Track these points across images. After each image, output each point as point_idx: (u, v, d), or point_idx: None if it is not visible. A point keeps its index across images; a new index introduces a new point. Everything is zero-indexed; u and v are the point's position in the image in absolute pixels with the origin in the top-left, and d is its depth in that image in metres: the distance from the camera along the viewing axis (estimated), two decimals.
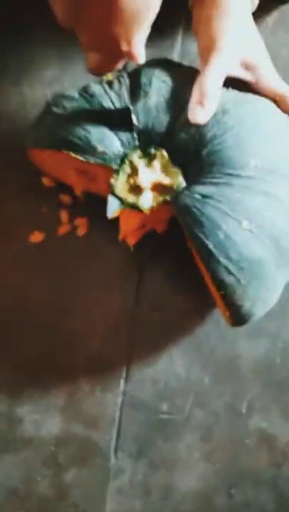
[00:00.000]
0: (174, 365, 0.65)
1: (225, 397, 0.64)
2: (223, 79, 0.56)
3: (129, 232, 0.63)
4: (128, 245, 0.64)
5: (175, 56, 0.72)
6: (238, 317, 0.55)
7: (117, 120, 0.57)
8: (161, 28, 0.70)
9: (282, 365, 0.65)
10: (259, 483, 0.63)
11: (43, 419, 0.64)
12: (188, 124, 0.54)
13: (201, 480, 0.63)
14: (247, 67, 0.57)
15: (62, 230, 0.68)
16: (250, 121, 0.55)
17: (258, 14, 0.66)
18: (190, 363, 0.65)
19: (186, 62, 0.63)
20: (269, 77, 0.58)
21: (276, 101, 0.58)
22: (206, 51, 0.56)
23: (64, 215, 0.68)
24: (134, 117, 0.57)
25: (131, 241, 0.63)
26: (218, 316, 0.64)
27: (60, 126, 0.59)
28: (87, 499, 0.63)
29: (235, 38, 0.56)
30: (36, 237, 0.68)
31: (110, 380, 0.65)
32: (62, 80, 0.72)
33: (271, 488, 0.63)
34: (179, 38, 0.73)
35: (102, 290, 0.66)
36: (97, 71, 0.54)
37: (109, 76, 0.59)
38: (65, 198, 0.68)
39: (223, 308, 0.56)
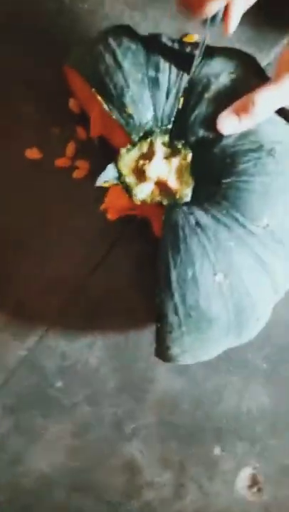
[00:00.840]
0: (90, 352, 0.61)
1: (118, 409, 0.61)
2: (281, 105, 0.48)
3: (113, 207, 0.56)
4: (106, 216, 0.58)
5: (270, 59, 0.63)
6: (161, 354, 0.51)
7: (164, 88, 0.49)
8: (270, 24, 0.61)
9: (186, 412, 0.61)
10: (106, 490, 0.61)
11: None
12: (221, 135, 0.48)
13: (50, 466, 0.61)
14: None
15: (61, 162, 0.62)
16: None
17: None
18: (106, 359, 0.61)
19: None
20: None
21: None
22: (281, 67, 0.47)
23: (70, 148, 0.62)
24: (181, 99, 0.49)
25: (111, 215, 0.57)
26: None
27: (104, 63, 0.51)
28: None
29: None
30: (33, 153, 0.62)
31: (25, 332, 0.61)
32: (147, 11, 0.63)
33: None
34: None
35: (66, 243, 0.61)
36: (185, 7, 0.47)
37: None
38: (81, 132, 0.62)
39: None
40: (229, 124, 0.47)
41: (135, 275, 0.61)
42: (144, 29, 0.62)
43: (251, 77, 0.51)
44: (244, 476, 0.60)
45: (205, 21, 0.51)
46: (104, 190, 0.58)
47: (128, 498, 0.61)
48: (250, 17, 0.62)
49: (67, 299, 0.61)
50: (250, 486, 0.61)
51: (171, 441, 0.61)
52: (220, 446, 0.61)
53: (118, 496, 0.60)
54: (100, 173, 0.50)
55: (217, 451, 0.61)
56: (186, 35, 0.62)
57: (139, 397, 0.61)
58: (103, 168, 0.51)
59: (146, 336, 0.61)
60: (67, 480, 0.61)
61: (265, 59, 0.63)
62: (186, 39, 0.62)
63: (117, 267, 0.62)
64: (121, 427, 0.61)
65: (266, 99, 0.47)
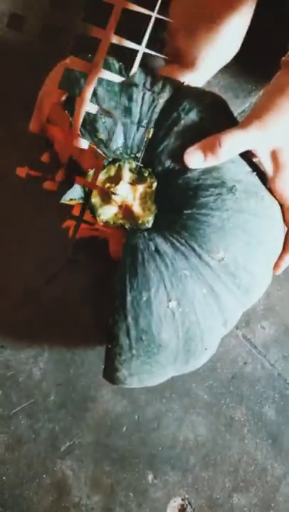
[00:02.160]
0: (35, 363, 0.61)
1: (55, 425, 0.60)
2: (245, 149, 0.50)
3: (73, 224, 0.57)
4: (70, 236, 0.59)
5: (253, 100, 0.66)
6: (108, 375, 0.51)
7: (136, 117, 0.51)
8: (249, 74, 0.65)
9: (123, 435, 0.60)
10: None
11: None
12: (186, 167, 0.50)
13: None
14: (275, 160, 0.51)
15: (49, 185, 0.62)
16: (247, 217, 0.50)
17: None
18: (50, 372, 0.60)
19: None
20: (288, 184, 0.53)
21: (284, 209, 0.53)
22: (251, 114, 0.50)
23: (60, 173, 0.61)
24: (151, 130, 0.51)
25: (71, 231, 0.58)
26: None
27: (79, 87, 0.52)
28: None
29: (284, 124, 0.49)
30: (23, 172, 0.61)
31: None
32: None
33: None
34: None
35: (25, 250, 0.61)
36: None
37: None
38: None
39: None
40: (195, 159, 0.49)
41: (89, 293, 0.62)
42: None
43: (220, 118, 0.53)
44: (173, 505, 0.60)
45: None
46: (69, 207, 0.58)
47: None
48: (231, 65, 0.66)
49: (16, 306, 0.61)
50: None
51: (105, 463, 0.60)
52: (152, 473, 0.60)
53: None
54: (66, 191, 0.51)
55: (149, 478, 0.60)
56: None
57: (78, 415, 0.60)
58: (70, 186, 0.51)
59: (94, 354, 0.61)
60: None
61: (240, 106, 0.66)
62: None
63: (71, 282, 0.62)
64: (56, 444, 0.60)
65: (232, 142, 0.49)
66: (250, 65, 0.66)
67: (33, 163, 0.61)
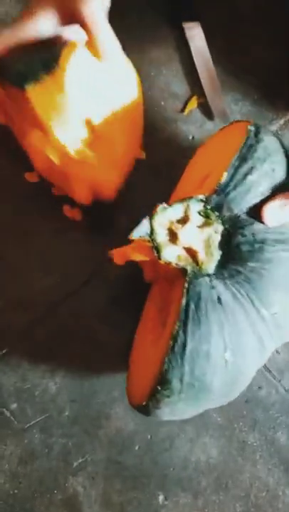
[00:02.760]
0: (51, 378, 0.61)
1: (68, 440, 0.60)
2: None
3: (125, 257, 0.55)
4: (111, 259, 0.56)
5: (274, 128, 0.68)
6: (147, 411, 0.50)
7: None
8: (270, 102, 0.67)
9: (136, 454, 0.61)
10: None
11: None
12: (259, 220, 0.50)
13: None
14: None
15: (57, 190, 0.64)
16: None
17: None
18: (65, 388, 0.61)
19: None
20: None
21: None
22: None
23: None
24: (225, 174, 0.51)
25: (117, 260, 0.55)
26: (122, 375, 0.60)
27: None
28: None
29: None
30: (32, 177, 0.64)
31: None
32: (162, 69, 0.67)
33: None
34: None
35: (45, 264, 0.63)
36: None
37: None
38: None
39: (131, 380, 0.52)
40: (274, 215, 0.49)
41: (108, 310, 0.63)
42: (156, 84, 0.67)
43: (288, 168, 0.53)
44: None
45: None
46: (94, 223, 0.60)
47: None
48: (252, 93, 0.67)
49: (35, 320, 0.62)
50: None
51: (116, 481, 0.60)
52: (163, 494, 0.60)
53: None
54: (135, 226, 0.51)
55: (160, 498, 0.60)
56: (193, 95, 0.67)
57: (91, 432, 0.61)
58: (138, 222, 0.51)
59: (109, 372, 0.62)
60: (1, 506, 0.59)
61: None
62: (192, 101, 0.67)
63: (91, 299, 0.63)
64: (68, 460, 0.60)
65: None
66: (272, 93, 0.68)
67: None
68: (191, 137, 0.67)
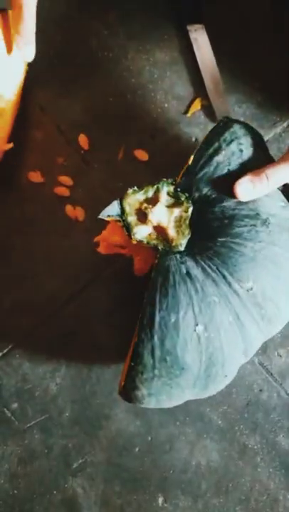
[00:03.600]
0: (52, 379, 0.61)
1: (68, 441, 0.60)
2: (286, 182, 0.52)
3: (106, 242, 0.58)
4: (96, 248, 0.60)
5: (278, 130, 0.68)
6: (126, 394, 0.51)
7: None
8: (274, 105, 0.67)
9: (136, 456, 0.60)
10: None
11: None
12: (231, 196, 0.51)
13: None
14: None
15: (60, 190, 0.64)
16: (278, 251, 0.50)
17: None
18: (66, 388, 0.61)
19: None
20: None
21: None
22: None
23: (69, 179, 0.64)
24: (191, 157, 0.53)
25: (103, 249, 0.59)
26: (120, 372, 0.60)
27: None
28: None
29: None
30: (35, 177, 0.64)
31: None
32: (166, 71, 0.67)
33: None
34: None
35: (48, 268, 0.63)
36: None
37: None
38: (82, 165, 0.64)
39: (123, 374, 0.52)
40: (245, 190, 0.52)
41: (109, 313, 0.63)
42: (160, 86, 0.67)
43: (258, 151, 0.55)
44: None
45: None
46: (96, 224, 0.60)
47: None
48: (256, 95, 0.67)
49: (37, 322, 0.62)
50: None
51: (116, 483, 0.60)
52: (163, 496, 0.60)
53: None
54: (103, 207, 0.53)
55: (160, 501, 0.60)
56: (196, 98, 0.67)
57: (91, 433, 0.61)
58: (107, 202, 0.53)
59: (110, 373, 0.61)
60: (1, 506, 0.59)
61: (265, 136, 0.68)
62: (195, 103, 0.67)
63: (93, 301, 0.63)
64: (68, 461, 0.60)
65: (278, 175, 0.52)
66: (275, 96, 0.67)
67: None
68: (194, 139, 0.67)
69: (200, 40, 0.68)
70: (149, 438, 0.61)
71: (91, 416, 0.61)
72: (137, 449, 0.61)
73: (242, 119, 0.67)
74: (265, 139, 0.68)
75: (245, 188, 0.51)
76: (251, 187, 0.51)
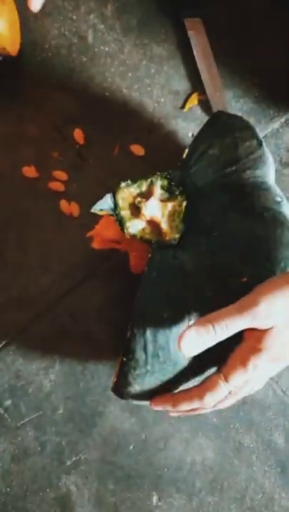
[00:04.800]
0: (45, 375, 0.61)
1: (62, 438, 0.60)
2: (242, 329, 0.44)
3: (99, 237, 0.58)
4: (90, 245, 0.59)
5: (276, 125, 0.67)
6: (118, 390, 0.50)
7: None
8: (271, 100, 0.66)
9: (130, 454, 0.60)
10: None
11: None
12: (224, 192, 0.50)
13: None
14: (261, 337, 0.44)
15: (55, 185, 0.63)
16: (272, 246, 0.49)
17: None
18: (60, 385, 0.60)
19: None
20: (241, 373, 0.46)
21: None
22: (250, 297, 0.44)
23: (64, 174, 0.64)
24: (186, 150, 0.52)
25: (96, 244, 0.58)
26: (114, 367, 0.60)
27: None
28: None
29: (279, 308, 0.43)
30: (30, 172, 0.63)
31: None
32: (163, 66, 0.67)
33: None
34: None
35: (42, 263, 0.62)
36: None
37: None
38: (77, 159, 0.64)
39: (116, 369, 0.51)
40: (190, 344, 0.43)
41: (104, 309, 0.62)
42: (157, 81, 0.66)
43: (252, 145, 0.54)
44: None
45: None
46: (91, 219, 0.59)
47: None
48: (254, 91, 0.67)
49: (31, 318, 0.61)
50: None
51: (110, 481, 0.59)
52: (157, 494, 0.60)
53: None
54: (97, 201, 0.52)
55: (154, 499, 0.60)
56: (193, 93, 0.66)
57: (85, 430, 0.60)
58: (100, 196, 0.52)
59: (104, 370, 0.61)
60: None
61: (262, 131, 0.67)
62: (192, 98, 0.66)
63: (88, 297, 0.62)
64: (62, 458, 0.59)
65: (230, 324, 0.43)
66: (273, 91, 0.67)
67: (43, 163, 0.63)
68: (191, 134, 0.66)
69: (197, 34, 0.67)
70: (144, 436, 0.60)
71: (85, 413, 0.60)
72: (131, 447, 0.60)
73: (239, 114, 0.67)
74: (263, 134, 0.67)
75: (190, 341, 0.43)
76: (195, 339, 0.43)
